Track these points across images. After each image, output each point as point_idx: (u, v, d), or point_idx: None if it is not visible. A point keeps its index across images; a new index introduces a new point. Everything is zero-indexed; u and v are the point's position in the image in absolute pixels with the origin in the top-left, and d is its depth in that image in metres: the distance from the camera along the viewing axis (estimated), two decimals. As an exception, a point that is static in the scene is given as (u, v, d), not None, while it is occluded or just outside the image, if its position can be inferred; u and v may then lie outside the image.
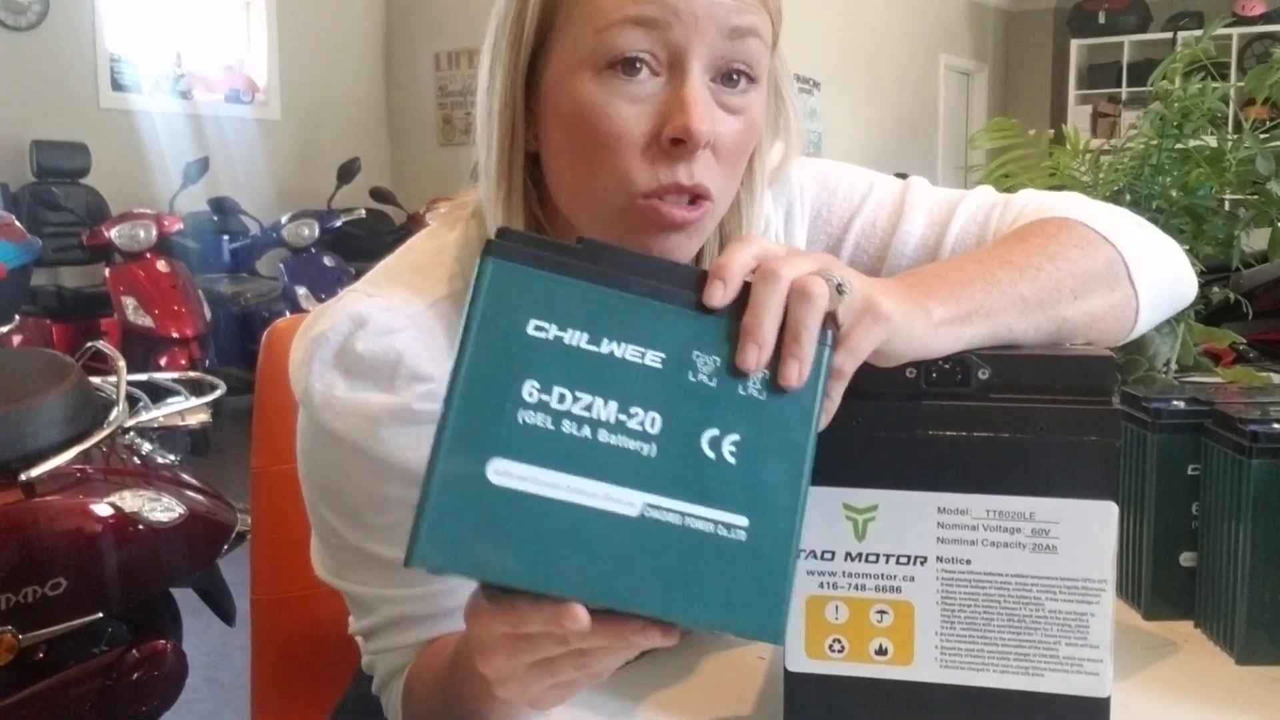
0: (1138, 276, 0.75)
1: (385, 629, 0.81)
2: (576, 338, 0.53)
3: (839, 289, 0.56)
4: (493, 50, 0.76)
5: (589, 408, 0.53)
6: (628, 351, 0.54)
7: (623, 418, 0.53)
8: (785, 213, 0.89)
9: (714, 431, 0.54)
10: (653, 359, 0.54)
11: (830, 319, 0.56)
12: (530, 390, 0.52)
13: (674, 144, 0.70)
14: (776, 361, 0.54)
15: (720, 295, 0.55)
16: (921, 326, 0.63)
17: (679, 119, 0.69)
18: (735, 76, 0.72)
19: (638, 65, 0.70)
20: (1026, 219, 0.81)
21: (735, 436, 0.54)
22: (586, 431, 0.52)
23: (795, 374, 0.54)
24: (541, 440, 0.52)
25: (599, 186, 0.72)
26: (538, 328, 0.53)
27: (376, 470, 0.75)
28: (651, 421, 0.53)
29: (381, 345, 0.75)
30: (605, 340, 0.53)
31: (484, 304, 0.53)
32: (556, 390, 0.52)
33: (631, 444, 0.53)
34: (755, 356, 0.54)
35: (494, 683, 0.59)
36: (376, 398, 0.75)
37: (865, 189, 0.91)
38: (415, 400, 0.75)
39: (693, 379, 0.54)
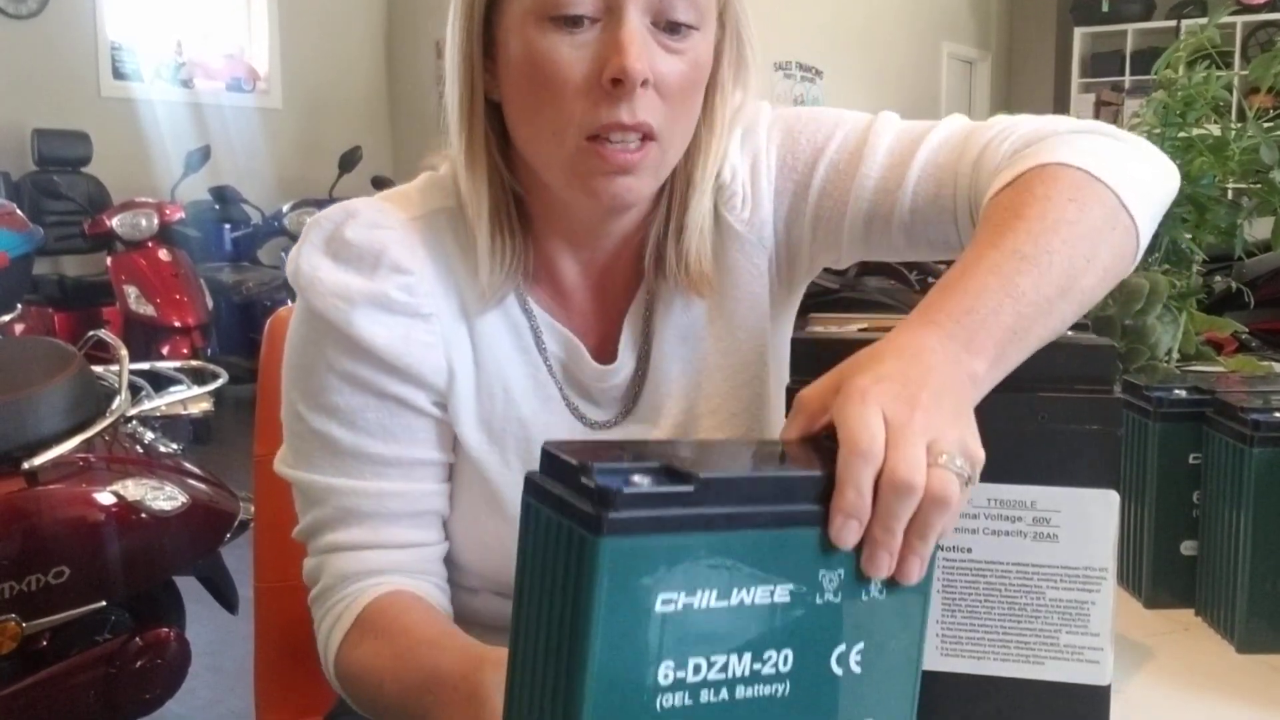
0: (1131, 204, 0.72)
1: (331, 523, 0.83)
2: (706, 598, 0.47)
3: (967, 481, 0.53)
4: (454, 5, 0.80)
5: (725, 668, 0.48)
6: (757, 595, 0.48)
7: (757, 666, 0.48)
8: (751, 163, 0.88)
9: (842, 647, 0.51)
10: (782, 594, 0.49)
11: (968, 487, 0.53)
12: (665, 673, 0.46)
13: (614, 84, 0.74)
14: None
15: (855, 535, 0.50)
16: (971, 396, 0.60)
17: (616, 59, 0.73)
18: (676, 25, 0.76)
19: (580, 19, 0.74)
20: (1001, 160, 0.77)
21: (860, 645, 0.51)
22: (724, 694, 0.48)
23: (918, 570, 0.52)
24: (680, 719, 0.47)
25: (549, 131, 0.76)
26: (666, 601, 0.46)
27: (346, 348, 0.80)
28: (784, 659, 0.49)
29: (369, 235, 0.81)
30: (735, 591, 0.47)
31: (607, 595, 0.44)
32: (692, 663, 0.47)
33: (766, 690, 0.49)
34: (888, 563, 0.51)
35: None
36: (357, 281, 0.80)
37: (830, 129, 0.88)
38: (393, 289, 0.80)
39: (820, 601, 0.50)
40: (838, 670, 0.50)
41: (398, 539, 0.83)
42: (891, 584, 0.51)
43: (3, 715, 1.80)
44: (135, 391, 2.13)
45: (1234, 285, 1.42)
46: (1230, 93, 1.26)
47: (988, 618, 0.64)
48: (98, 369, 2.08)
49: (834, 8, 7.69)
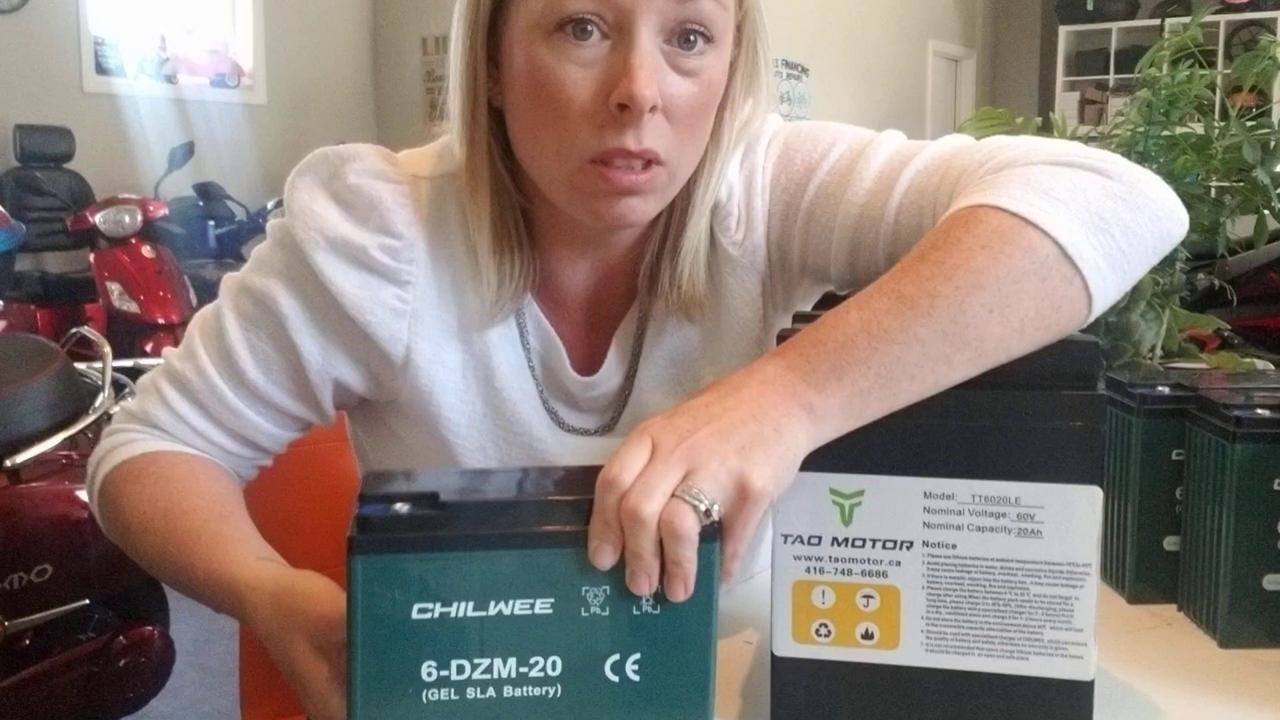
0: (1078, 253, 0.64)
1: (177, 384, 0.84)
2: (462, 609, 0.54)
3: (706, 512, 0.55)
4: (459, 8, 0.77)
5: (489, 669, 0.54)
6: (516, 607, 0.54)
7: (524, 670, 0.55)
8: (746, 181, 0.85)
9: (615, 657, 0.56)
10: (543, 606, 0.55)
11: (708, 520, 0.55)
12: (429, 671, 0.54)
13: (620, 109, 0.70)
14: (666, 579, 0.55)
15: (610, 558, 0.55)
16: (805, 437, 0.60)
17: (624, 85, 0.69)
18: (691, 38, 0.72)
19: (588, 29, 0.70)
20: (961, 192, 0.72)
21: (636, 655, 0.56)
22: (491, 692, 0.54)
23: (682, 591, 0.55)
24: (450, 713, 0.54)
25: (551, 148, 0.74)
26: (421, 610, 0.53)
27: (301, 290, 0.80)
28: (553, 665, 0.55)
29: (369, 184, 0.80)
30: (492, 603, 0.54)
31: (362, 602, 0.53)
32: (454, 663, 0.54)
33: (537, 691, 0.55)
34: (647, 584, 0.55)
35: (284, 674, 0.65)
36: (344, 226, 0.80)
37: (826, 148, 0.83)
38: (374, 247, 0.79)
39: (586, 614, 0.55)
40: (613, 677, 0.56)
41: (215, 439, 0.85)
42: (666, 600, 0.55)
43: (-15, 714, 1.79)
44: (119, 388, 2.11)
45: (1217, 283, 1.43)
46: (1213, 91, 1.26)
47: (972, 613, 0.64)
48: (81, 366, 2.06)
49: (820, 5, 7.69)
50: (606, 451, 0.83)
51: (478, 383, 0.84)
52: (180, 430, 0.84)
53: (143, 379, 0.87)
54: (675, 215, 0.83)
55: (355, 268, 0.80)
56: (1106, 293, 0.67)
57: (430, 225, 0.82)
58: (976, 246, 0.64)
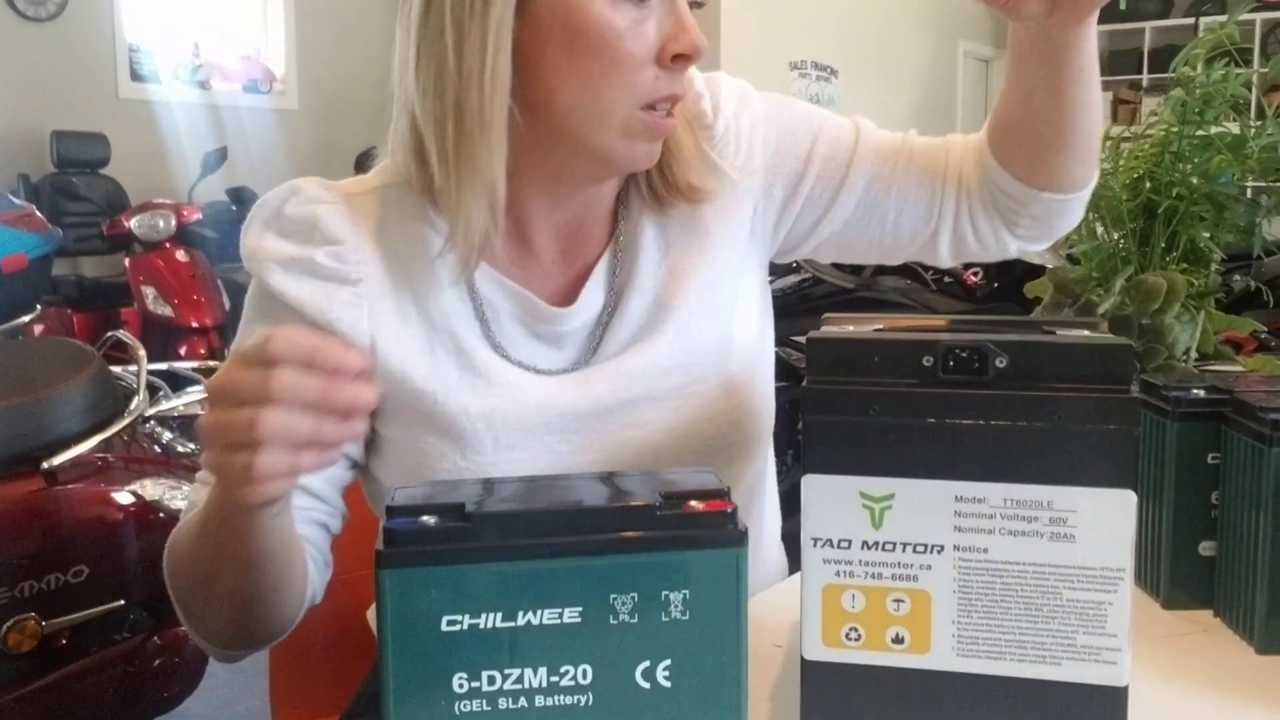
0: None
1: None
2: (491, 620, 0.54)
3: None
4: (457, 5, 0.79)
5: (520, 679, 0.55)
6: (544, 617, 0.55)
7: (555, 679, 0.55)
8: (749, 124, 0.94)
9: (646, 664, 0.56)
10: (571, 615, 0.55)
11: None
12: (460, 683, 0.54)
13: (675, 60, 0.81)
14: (693, 584, 0.56)
15: None
16: None
17: (685, 38, 0.81)
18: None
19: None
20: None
21: (667, 661, 0.56)
22: (523, 702, 0.55)
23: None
24: None
25: (607, 99, 0.81)
26: (450, 622, 0.54)
27: (276, 306, 0.86)
28: (583, 674, 0.55)
29: (305, 210, 0.88)
30: (520, 613, 0.55)
31: (392, 616, 0.54)
32: (485, 674, 0.55)
33: (569, 700, 0.55)
34: None
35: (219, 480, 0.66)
36: (288, 248, 0.87)
37: (821, 115, 0.98)
38: (320, 256, 0.86)
39: (615, 621, 0.56)
40: (644, 684, 0.56)
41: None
42: (698, 608, 0.56)
43: (23, 713, 1.81)
44: (153, 391, 2.14)
45: (1253, 284, 1.41)
46: (1249, 90, 1.25)
47: (1004, 618, 0.64)
48: (116, 369, 2.09)
49: (849, 7, 7.66)
50: (588, 388, 0.87)
51: (446, 354, 0.87)
52: None
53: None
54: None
55: (308, 278, 0.86)
56: None
57: (371, 228, 0.88)
58: None
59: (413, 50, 0.82)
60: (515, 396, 0.87)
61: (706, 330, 0.91)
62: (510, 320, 0.89)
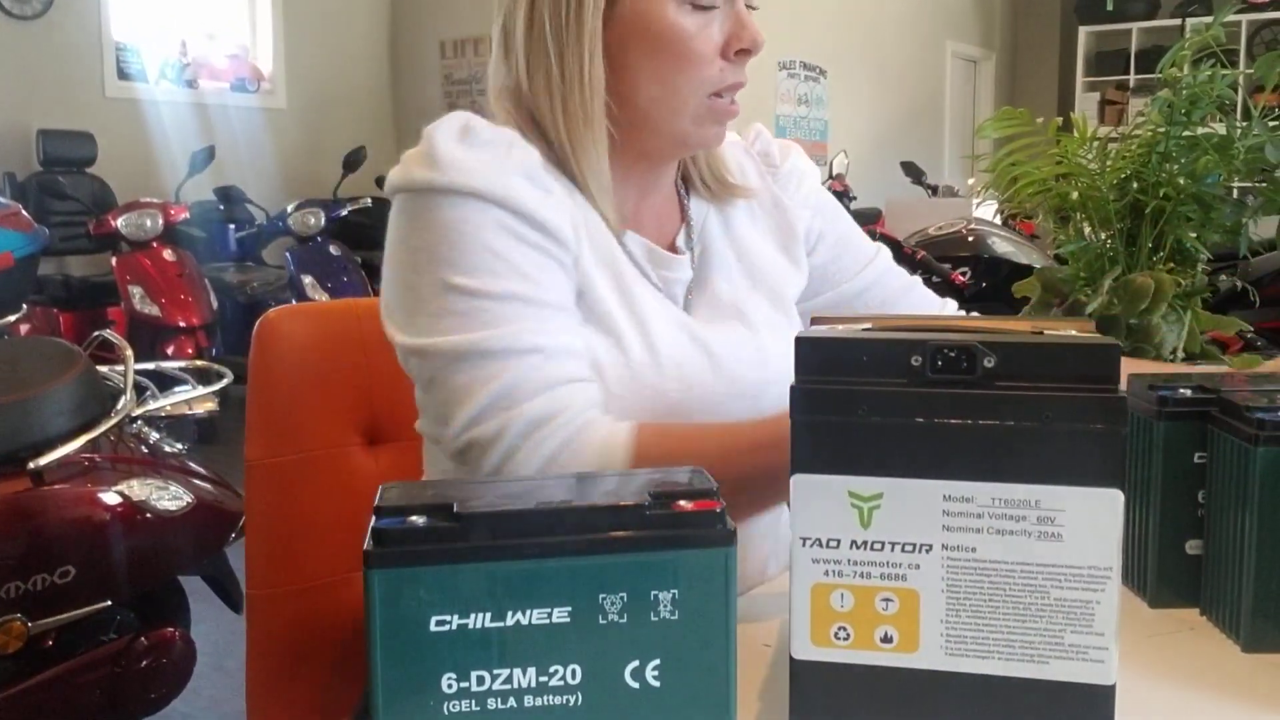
0: None
1: (511, 367, 0.86)
2: (480, 619, 0.54)
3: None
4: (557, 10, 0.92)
5: (509, 679, 0.55)
6: (533, 616, 0.55)
7: (544, 679, 0.55)
8: (799, 178, 1.13)
9: (635, 663, 0.56)
10: (560, 615, 0.55)
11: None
12: (449, 683, 0.54)
13: (738, 54, 0.95)
14: (682, 583, 0.56)
15: None
16: None
17: (745, 34, 0.95)
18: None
19: (713, 6, 0.94)
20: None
21: (655, 661, 0.56)
22: (512, 702, 0.55)
23: None
24: None
25: (683, 91, 0.95)
26: (439, 623, 0.54)
27: (497, 217, 0.88)
28: (572, 674, 0.55)
29: (495, 131, 0.92)
30: (509, 613, 0.55)
31: (380, 616, 0.53)
32: (474, 674, 0.54)
33: (557, 700, 0.55)
34: None
35: None
36: (495, 159, 0.90)
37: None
38: (522, 167, 0.91)
39: (604, 621, 0.55)
40: (633, 684, 0.56)
41: (576, 372, 0.89)
42: (687, 607, 0.56)
43: (9, 714, 1.80)
44: (140, 391, 2.13)
45: (1239, 284, 1.42)
46: (1235, 91, 1.26)
47: (992, 617, 0.64)
48: (103, 369, 2.08)
49: (838, 7, 7.68)
50: (696, 321, 1.01)
51: (608, 278, 0.96)
52: (576, 392, 0.88)
53: (484, 429, 0.86)
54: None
55: (524, 179, 0.90)
56: None
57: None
58: None
59: (523, 62, 0.95)
60: (648, 326, 0.96)
61: (781, 272, 1.09)
62: (642, 261, 1.00)
